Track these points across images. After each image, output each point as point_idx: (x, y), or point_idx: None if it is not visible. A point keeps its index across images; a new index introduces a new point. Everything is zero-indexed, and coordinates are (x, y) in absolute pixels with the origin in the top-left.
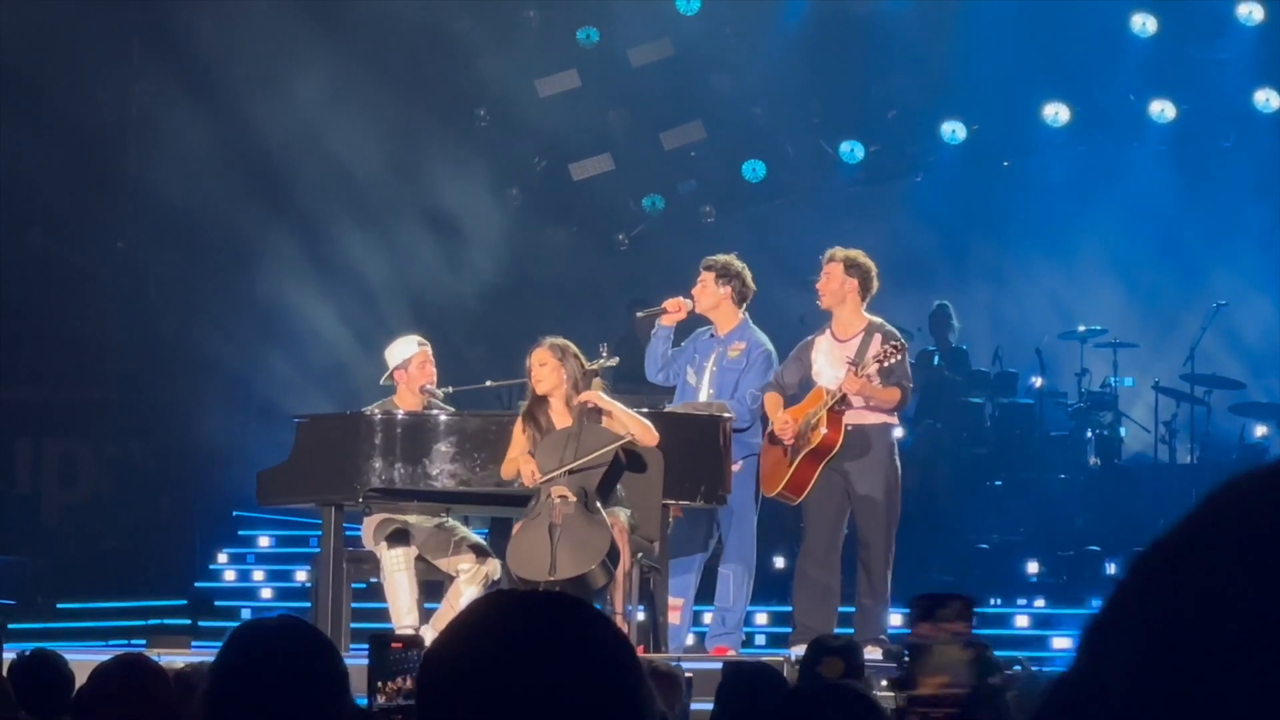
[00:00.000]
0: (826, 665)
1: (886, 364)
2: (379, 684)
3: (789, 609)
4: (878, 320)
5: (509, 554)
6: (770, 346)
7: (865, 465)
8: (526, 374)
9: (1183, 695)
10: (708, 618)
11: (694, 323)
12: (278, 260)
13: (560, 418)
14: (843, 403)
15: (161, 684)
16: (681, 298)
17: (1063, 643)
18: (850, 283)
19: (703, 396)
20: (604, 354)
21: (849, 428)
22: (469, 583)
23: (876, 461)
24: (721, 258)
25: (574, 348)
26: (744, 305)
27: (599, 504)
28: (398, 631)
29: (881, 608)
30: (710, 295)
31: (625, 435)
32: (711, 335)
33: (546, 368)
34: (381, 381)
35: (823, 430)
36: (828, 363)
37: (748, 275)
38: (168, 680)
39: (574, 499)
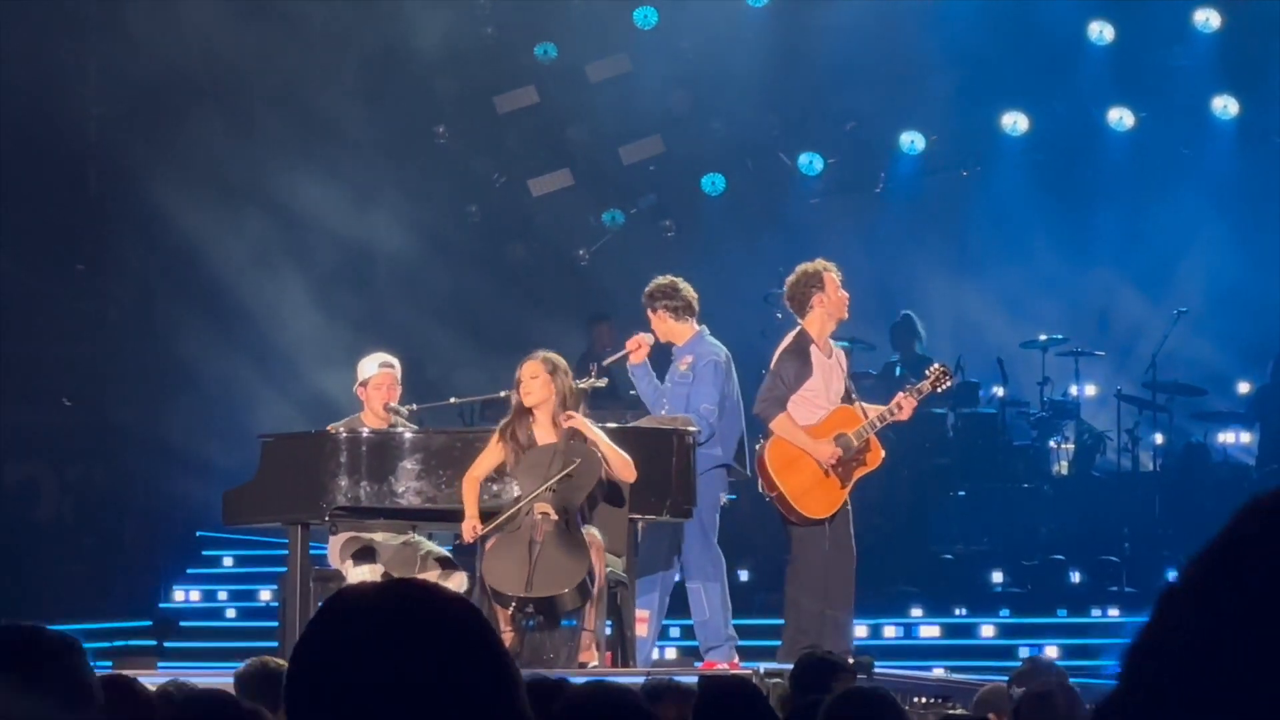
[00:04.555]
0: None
1: (939, 390)
2: None
3: (748, 621)
4: None
5: (484, 566)
6: (719, 356)
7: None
8: (515, 385)
9: (1240, 690)
10: (674, 631)
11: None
12: (238, 280)
13: (544, 433)
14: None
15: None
16: (640, 334)
17: (1028, 653)
18: None
19: (664, 414)
20: (593, 374)
21: None
22: None
23: None
24: (649, 286)
25: (565, 364)
26: (691, 317)
27: (580, 525)
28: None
29: (850, 617)
30: (656, 326)
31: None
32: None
33: (538, 380)
34: (354, 389)
35: (880, 452)
36: (834, 378)
37: (679, 289)
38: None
39: (556, 517)
